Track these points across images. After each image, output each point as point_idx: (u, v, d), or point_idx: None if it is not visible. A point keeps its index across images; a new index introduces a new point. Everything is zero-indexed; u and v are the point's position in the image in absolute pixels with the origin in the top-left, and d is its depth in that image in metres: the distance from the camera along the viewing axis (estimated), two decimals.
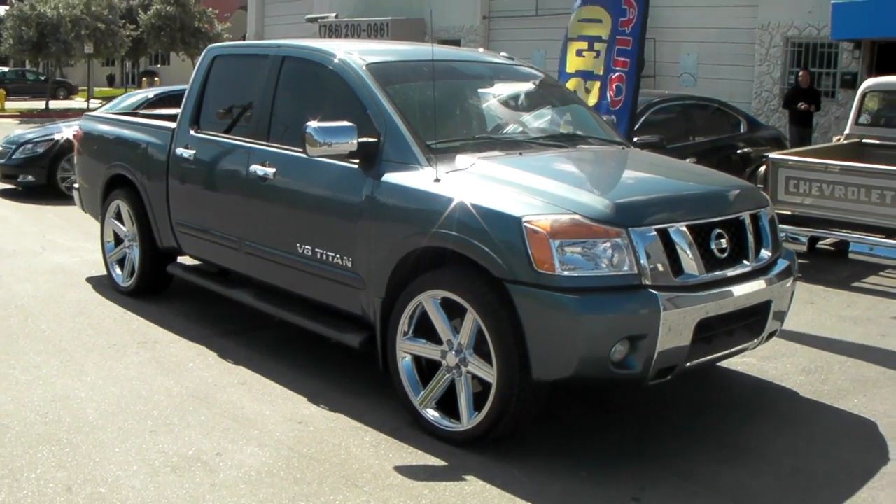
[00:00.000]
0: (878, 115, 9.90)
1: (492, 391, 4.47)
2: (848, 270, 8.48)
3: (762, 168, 8.57)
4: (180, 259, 6.98)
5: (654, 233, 4.43)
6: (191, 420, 4.85)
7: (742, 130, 10.88)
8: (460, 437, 4.65)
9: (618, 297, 4.32)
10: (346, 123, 4.99)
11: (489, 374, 4.49)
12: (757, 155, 9.99)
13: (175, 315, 6.66)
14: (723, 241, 4.73)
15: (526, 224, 4.33)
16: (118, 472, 4.25)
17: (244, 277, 6.12)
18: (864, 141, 9.66)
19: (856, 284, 8.20)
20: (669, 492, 4.28)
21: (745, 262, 4.84)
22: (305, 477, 4.27)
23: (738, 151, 10.32)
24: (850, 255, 7.78)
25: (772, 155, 8.54)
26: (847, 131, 9.98)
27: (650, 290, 4.34)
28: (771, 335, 5.10)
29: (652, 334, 4.32)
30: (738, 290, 4.70)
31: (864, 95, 9.91)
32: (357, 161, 5.11)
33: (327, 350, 5.84)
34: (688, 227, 4.57)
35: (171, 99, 12.33)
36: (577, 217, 4.37)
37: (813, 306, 7.36)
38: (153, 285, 7.02)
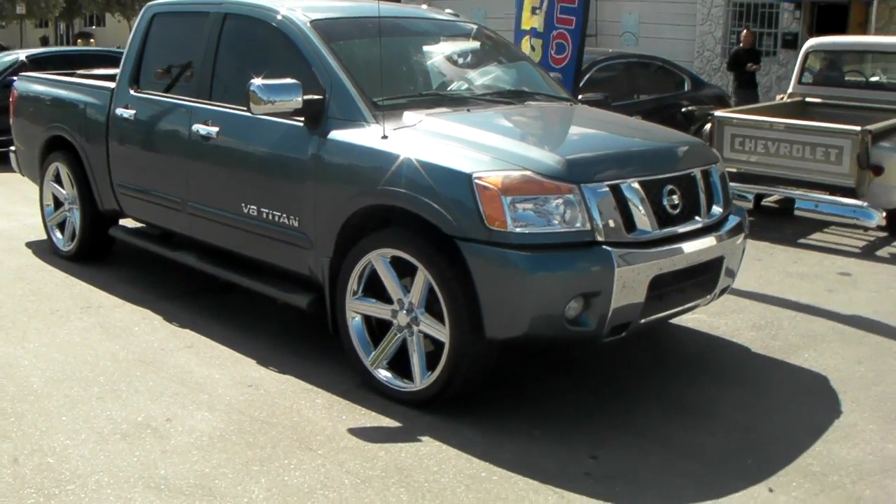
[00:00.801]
0: (820, 74, 9.97)
1: (444, 351, 4.42)
2: (793, 227, 8.56)
3: (707, 126, 8.59)
4: (122, 222, 6.81)
5: (607, 189, 4.40)
6: (138, 385, 4.74)
7: (686, 89, 10.90)
8: (413, 397, 4.60)
9: (571, 254, 4.28)
10: (290, 81, 4.86)
11: (441, 333, 4.43)
12: (701, 113, 10.02)
13: (118, 279, 6.50)
14: (675, 197, 4.70)
15: (476, 180, 4.26)
16: (66, 441, 4.13)
17: (188, 239, 5.98)
18: (806, 100, 9.72)
19: (801, 241, 8.27)
20: (625, 450, 4.27)
21: (696, 218, 4.82)
22: (258, 441, 4.19)
23: (683, 110, 10.34)
24: (796, 213, 7.85)
25: (717, 113, 8.56)
26: (790, 90, 10.04)
27: (603, 247, 4.31)
28: (723, 291, 5.10)
29: (606, 291, 4.29)
30: (691, 246, 4.68)
31: (806, 55, 9.97)
32: (302, 119, 4.99)
33: (274, 312, 5.75)
34: (640, 183, 4.54)
35: (46, 61, 11.81)
36: (528, 173, 4.31)
37: (760, 263, 7.41)
38: (95, 249, 6.85)
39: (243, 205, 5.32)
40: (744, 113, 8.86)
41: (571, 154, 4.50)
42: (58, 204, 7.05)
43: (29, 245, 7.46)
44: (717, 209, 4.98)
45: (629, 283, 4.35)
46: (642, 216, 4.49)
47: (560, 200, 4.29)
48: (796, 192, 7.94)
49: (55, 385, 4.71)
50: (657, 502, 3.86)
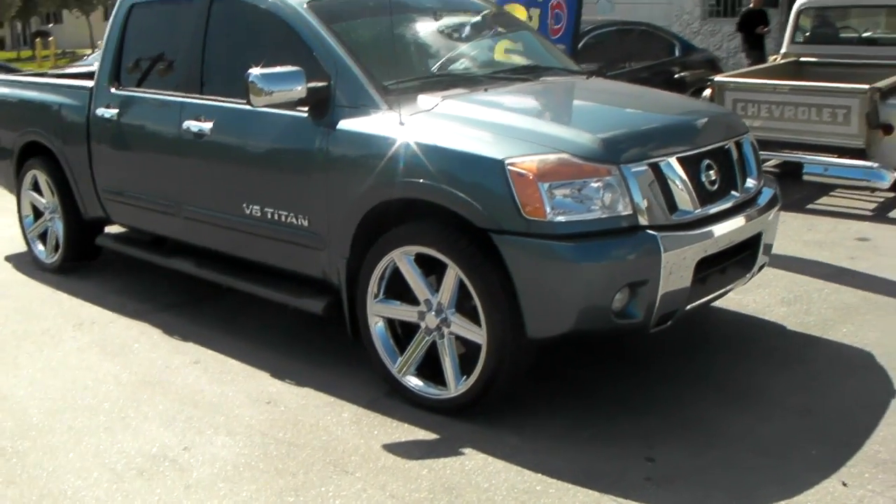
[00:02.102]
0: (813, 32, 9.61)
1: (482, 353, 4.02)
2: (800, 192, 8.21)
3: (707, 91, 8.21)
4: (108, 229, 6.33)
5: (646, 168, 4.00)
6: (147, 411, 4.29)
7: (677, 54, 10.50)
8: (448, 404, 4.20)
9: (616, 241, 3.88)
10: (292, 68, 4.41)
11: (477, 334, 4.03)
12: (693, 78, 9.65)
13: (109, 291, 6.03)
14: (711, 172, 4.33)
15: (510, 167, 3.85)
16: (77, 483, 3.68)
17: (183, 245, 5.52)
18: (801, 59, 9.36)
19: (810, 206, 7.93)
20: (681, 445, 3.90)
21: (733, 193, 4.45)
22: (288, 467, 3.78)
23: (675, 76, 9.95)
24: (805, 178, 7.52)
25: (717, 78, 8.18)
26: (783, 50, 9.68)
27: (648, 232, 3.92)
28: (760, 269, 4.74)
29: (653, 279, 3.91)
30: (732, 224, 4.31)
31: (798, 14, 9.60)
32: (306, 109, 4.55)
33: (282, 319, 5.32)
34: (678, 160, 4.15)
35: None
36: (564, 156, 3.90)
37: None
38: (81, 260, 6.36)
39: (245, 205, 4.87)
40: (741, 76, 8.49)
41: (606, 132, 4.09)
42: (38, 214, 6.54)
43: (9, 259, 6.94)
44: (751, 182, 4.61)
45: (676, 269, 3.97)
46: (683, 195, 4.10)
47: (600, 183, 3.89)
48: (805, 157, 7.58)
49: (56, 417, 4.25)
50: None
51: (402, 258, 4.21)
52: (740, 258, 4.51)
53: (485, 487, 3.62)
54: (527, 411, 4.21)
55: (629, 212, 3.90)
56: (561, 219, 3.82)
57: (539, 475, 3.70)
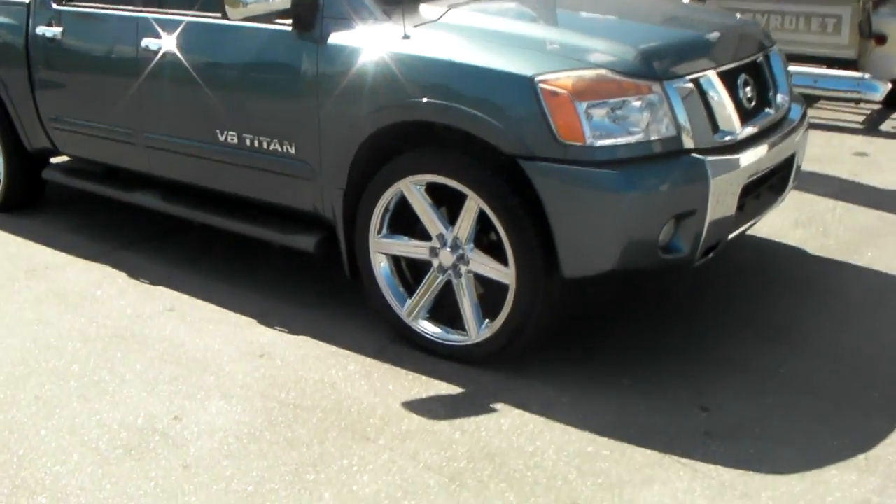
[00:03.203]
0: None
1: (509, 295, 3.49)
2: None
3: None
4: (55, 160, 5.58)
5: (691, 84, 3.46)
6: (124, 372, 3.67)
7: None
8: (468, 352, 3.67)
9: (662, 166, 3.34)
10: None
11: (502, 274, 3.49)
12: None
13: (60, 230, 5.28)
14: (748, 88, 3.82)
15: (541, 84, 3.26)
16: (56, 468, 3.06)
17: (142, 176, 4.82)
18: None
19: None
20: (733, 391, 3.45)
21: (767, 110, 3.94)
22: (300, 436, 3.21)
23: None
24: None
25: None
26: None
27: (694, 156, 3.39)
28: (788, 192, 4.27)
29: (701, 208, 3.39)
30: (771, 144, 3.81)
31: None
32: (289, 21, 3.88)
33: (261, 255, 4.70)
34: (717, 74, 3.62)
35: None
36: (602, 72, 3.32)
37: None
38: (26, 196, 5.59)
39: (219, 132, 4.20)
40: None
41: (644, 44, 3.52)
42: None
43: None
44: (782, 98, 4.10)
45: (722, 197, 3.47)
46: (726, 114, 3.57)
47: (641, 102, 3.33)
48: (794, 68, 7.08)
49: (20, 385, 3.59)
50: (802, 460, 3.04)
51: (412, 188, 3.63)
52: (774, 181, 4.03)
53: (530, 451, 3.12)
54: (554, 355, 3.70)
55: (673, 133, 3.37)
56: (601, 143, 3.26)
57: (587, 433, 3.21)
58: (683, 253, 3.44)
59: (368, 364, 3.69)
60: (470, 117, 3.37)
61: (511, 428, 3.24)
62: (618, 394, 3.46)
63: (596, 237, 3.31)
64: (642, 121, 3.32)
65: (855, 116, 7.36)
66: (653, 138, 3.33)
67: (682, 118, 3.38)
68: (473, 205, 3.47)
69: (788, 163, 4.05)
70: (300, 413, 3.35)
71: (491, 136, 3.35)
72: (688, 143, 3.39)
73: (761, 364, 3.65)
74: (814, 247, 4.77)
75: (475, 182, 3.43)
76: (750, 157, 3.60)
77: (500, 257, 3.51)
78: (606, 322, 4.02)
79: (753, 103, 3.83)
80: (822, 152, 6.37)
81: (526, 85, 3.28)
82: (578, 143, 3.24)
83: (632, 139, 3.30)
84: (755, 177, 3.68)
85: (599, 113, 3.27)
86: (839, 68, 6.88)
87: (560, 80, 3.26)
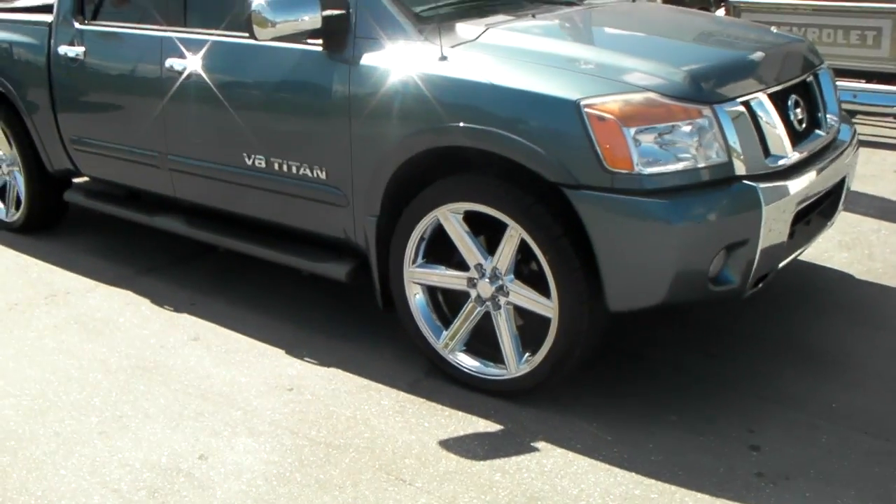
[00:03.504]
0: None
1: (552, 328, 3.31)
2: None
3: (720, 12, 7.44)
4: (76, 181, 5.43)
5: (741, 107, 3.28)
6: (147, 406, 3.51)
7: None
8: (507, 386, 3.50)
9: (714, 195, 3.16)
10: None
11: (544, 307, 3.32)
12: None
13: (82, 252, 5.15)
14: (798, 109, 3.64)
15: (587, 109, 3.09)
16: None
17: (167, 199, 4.68)
18: None
19: None
20: (784, 428, 3.27)
21: (818, 132, 3.77)
22: (332, 478, 3.04)
23: None
24: None
25: None
26: None
27: (746, 183, 3.21)
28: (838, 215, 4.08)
29: (753, 237, 3.21)
30: (822, 168, 3.63)
31: None
32: (320, 42, 3.73)
33: (289, 283, 4.54)
34: (768, 96, 3.45)
35: None
36: (651, 95, 3.15)
37: None
38: (46, 218, 5.45)
39: (246, 156, 4.05)
40: None
41: (692, 66, 3.34)
42: None
43: None
44: (832, 119, 3.92)
45: (775, 224, 3.29)
46: (777, 138, 3.39)
47: (691, 127, 3.16)
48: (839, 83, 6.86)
49: (39, 419, 3.44)
50: None
51: (449, 217, 3.46)
52: (825, 206, 3.85)
53: (574, 494, 2.94)
54: (594, 394, 3.52)
55: (724, 160, 3.19)
56: (650, 170, 3.09)
57: (633, 475, 3.03)
58: (734, 284, 3.26)
59: (402, 399, 3.52)
60: (510, 143, 3.20)
61: (554, 469, 3.06)
62: (664, 431, 3.28)
63: (644, 270, 3.14)
64: (692, 147, 3.15)
65: (893, 132, 7.15)
66: (703, 165, 3.15)
67: (734, 143, 3.20)
68: (515, 235, 3.30)
69: (839, 186, 3.86)
70: (332, 452, 3.17)
71: (533, 163, 3.19)
72: (739, 169, 3.21)
73: (813, 398, 3.46)
74: (861, 271, 4.58)
75: (517, 211, 3.26)
76: (802, 183, 3.42)
77: (541, 288, 3.34)
78: (645, 353, 3.83)
79: (804, 125, 3.66)
80: (862, 169, 6.14)
81: (570, 109, 3.11)
82: (626, 171, 3.07)
83: (681, 166, 3.13)
84: (807, 202, 3.50)
85: (648, 139, 3.10)
86: (879, 82, 6.67)
87: (607, 104, 3.09)
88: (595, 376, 3.53)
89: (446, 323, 3.65)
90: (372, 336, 4.00)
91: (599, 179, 3.09)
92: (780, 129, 3.41)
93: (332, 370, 3.75)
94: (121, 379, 3.71)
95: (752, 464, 3.09)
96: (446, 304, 3.70)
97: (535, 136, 3.17)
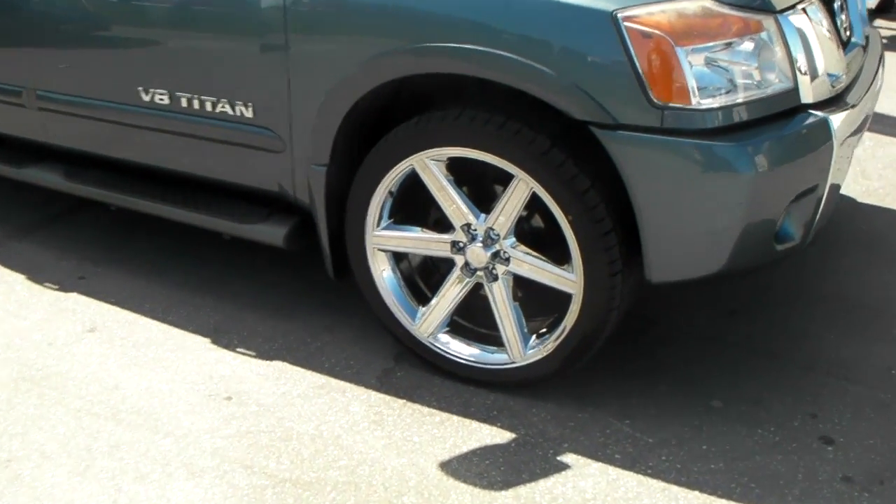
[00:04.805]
0: None
1: (574, 306, 2.53)
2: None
3: None
4: None
5: (804, 16, 2.51)
6: (42, 440, 2.54)
7: None
8: (512, 377, 2.72)
9: (787, 132, 2.39)
10: None
11: (563, 280, 2.53)
12: None
13: None
14: (843, 16, 2.91)
15: (626, 23, 2.25)
16: None
17: (38, 146, 3.61)
18: None
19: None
20: (853, 410, 2.64)
21: (855, 40, 3.05)
22: None
23: None
24: None
25: None
26: None
27: (814, 113, 2.46)
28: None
29: (822, 181, 2.49)
30: (868, 83, 2.91)
31: None
32: None
33: (200, 244, 3.58)
34: (821, 2, 2.69)
35: None
36: (705, 3, 2.33)
37: None
38: None
39: (142, 90, 3.05)
40: None
41: None
42: None
43: None
44: (864, 29, 3.20)
45: (841, 163, 2.59)
46: (833, 53, 2.64)
47: (753, 44, 2.37)
48: None
49: None
50: None
51: (430, 165, 2.60)
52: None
53: None
54: (608, 372, 2.79)
55: (789, 85, 2.41)
56: (710, 103, 2.29)
57: (696, 493, 2.32)
58: (795, 240, 2.53)
59: (375, 401, 2.69)
60: (522, 69, 2.34)
61: (598, 495, 2.31)
62: (712, 424, 2.58)
63: (702, 232, 2.37)
64: (754, 69, 2.36)
65: None
66: (769, 93, 2.37)
67: (800, 62, 2.43)
68: (524, 188, 2.47)
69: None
70: (303, 495, 2.33)
71: (554, 97, 2.34)
72: (805, 95, 2.44)
73: (866, 363, 2.85)
74: (858, 192, 3.95)
75: (529, 158, 2.42)
76: (861, 107, 2.71)
77: (551, 254, 2.55)
78: (654, 315, 3.10)
79: (848, 33, 2.95)
80: None
81: (605, 23, 2.26)
82: (681, 106, 2.26)
83: (745, 96, 2.33)
84: (858, 130, 2.79)
85: (704, 61, 2.30)
86: None
87: (653, 15, 2.26)
88: (606, 350, 2.76)
89: (421, 298, 2.82)
90: (319, 311, 3.14)
91: (645, 117, 2.27)
92: (836, 42, 2.67)
93: (276, 364, 2.88)
94: (1, 398, 2.73)
95: (832, 464, 2.44)
96: (420, 273, 2.87)
97: (555, 59, 2.31)
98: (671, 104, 2.25)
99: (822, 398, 2.69)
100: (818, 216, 2.55)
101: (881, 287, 3.25)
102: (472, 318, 2.80)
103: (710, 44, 2.29)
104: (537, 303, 2.69)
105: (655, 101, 2.25)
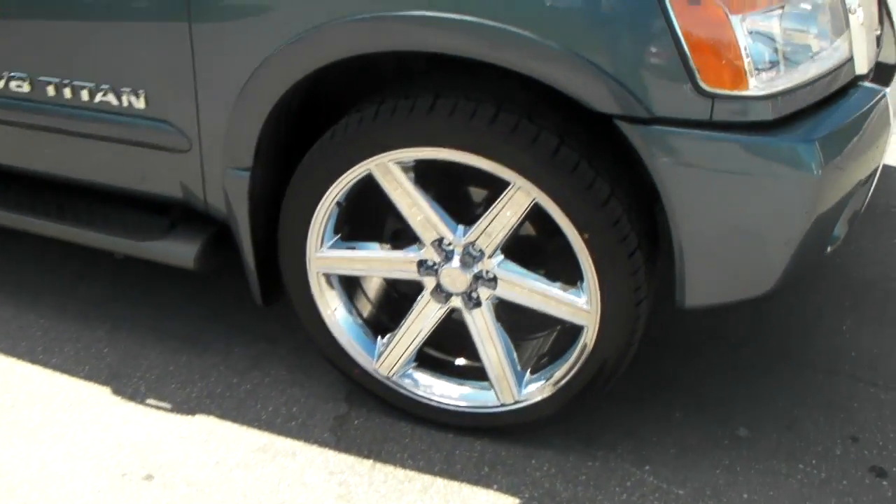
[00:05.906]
0: None
1: (587, 338, 1.99)
2: None
3: None
4: None
5: None
6: None
7: None
8: (504, 421, 2.17)
9: (852, 116, 1.88)
10: None
11: (572, 309, 1.98)
12: None
13: None
14: None
15: None
16: None
17: None
18: None
19: None
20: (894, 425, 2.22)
21: None
22: None
23: None
24: None
25: None
26: None
27: (871, 87, 1.96)
28: None
29: (879, 166, 2.04)
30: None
31: None
32: None
33: (81, 253, 2.85)
34: None
35: None
36: None
37: None
38: None
39: (4, 73, 2.30)
40: None
41: None
42: None
43: None
44: None
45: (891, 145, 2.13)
46: (871, 15, 2.14)
47: (811, 6, 1.84)
48: None
49: None
50: None
51: (392, 169, 1.98)
52: None
53: None
54: (611, 403, 2.29)
55: (846, 54, 1.90)
56: (769, 87, 1.75)
57: None
58: (841, 238, 2.07)
59: (336, 465, 2.11)
60: (527, 47, 1.74)
61: None
62: (746, 462, 2.12)
63: (757, 247, 1.85)
64: (815, 38, 1.83)
65: None
66: (830, 66, 1.86)
67: (856, 28, 1.92)
68: (523, 199, 1.89)
69: None
70: None
71: (568, 83, 1.76)
72: (860, 66, 1.95)
73: (891, 363, 2.42)
74: None
75: (531, 161, 1.84)
76: None
77: (542, 269, 2.02)
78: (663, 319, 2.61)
79: None
80: None
81: None
82: (736, 93, 1.72)
83: (807, 75, 1.81)
84: None
85: (761, 33, 1.75)
86: None
87: None
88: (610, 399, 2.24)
89: (379, 329, 2.23)
90: (239, 338, 2.51)
91: (689, 108, 1.73)
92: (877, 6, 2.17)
93: (200, 420, 2.24)
94: None
95: (892, 502, 2.02)
96: (377, 299, 2.27)
97: (572, 35, 1.72)
98: (723, 91, 1.71)
99: (857, 412, 2.28)
100: (864, 206, 2.09)
101: (888, 264, 2.85)
102: (444, 349, 2.24)
103: (768, 10, 1.74)
104: (527, 323, 2.16)
105: (703, 86, 1.70)
